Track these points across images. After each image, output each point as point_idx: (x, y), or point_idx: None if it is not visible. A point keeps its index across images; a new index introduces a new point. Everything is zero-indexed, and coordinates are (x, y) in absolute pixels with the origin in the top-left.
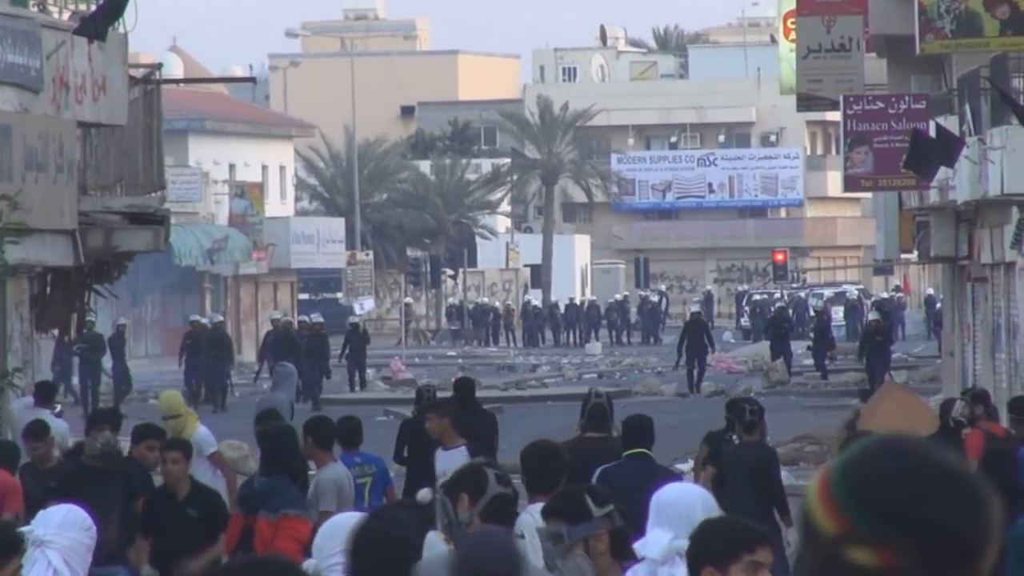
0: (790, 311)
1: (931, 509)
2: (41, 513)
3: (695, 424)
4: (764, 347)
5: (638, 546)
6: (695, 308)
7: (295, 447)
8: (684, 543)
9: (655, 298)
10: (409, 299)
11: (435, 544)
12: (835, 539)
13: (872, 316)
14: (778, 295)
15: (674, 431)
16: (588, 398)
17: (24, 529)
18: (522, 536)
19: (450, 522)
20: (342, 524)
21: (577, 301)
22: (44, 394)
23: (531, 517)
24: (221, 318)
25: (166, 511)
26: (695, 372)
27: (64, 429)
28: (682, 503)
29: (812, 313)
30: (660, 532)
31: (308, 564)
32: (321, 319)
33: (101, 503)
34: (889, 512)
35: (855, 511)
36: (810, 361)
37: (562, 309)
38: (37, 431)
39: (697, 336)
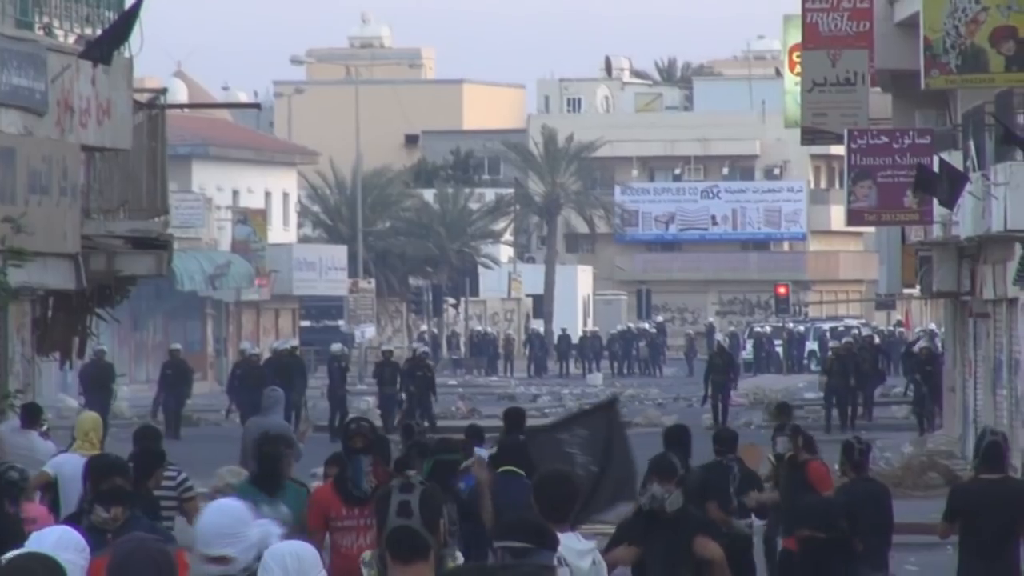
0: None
1: None
2: (34, 536)
3: (694, 456)
4: (765, 380)
5: None
6: (719, 337)
7: None
8: None
9: (653, 330)
10: (458, 328)
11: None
12: None
13: (922, 344)
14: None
15: None
16: (983, 437)
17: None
18: (564, 563)
19: None
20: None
21: (572, 332)
22: (30, 416)
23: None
24: (178, 346)
25: None
26: (719, 406)
27: (51, 450)
28: None
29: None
30: None
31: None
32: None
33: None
34: None
35: None
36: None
37: (555, 339)
38: None
39: (721, 369)
